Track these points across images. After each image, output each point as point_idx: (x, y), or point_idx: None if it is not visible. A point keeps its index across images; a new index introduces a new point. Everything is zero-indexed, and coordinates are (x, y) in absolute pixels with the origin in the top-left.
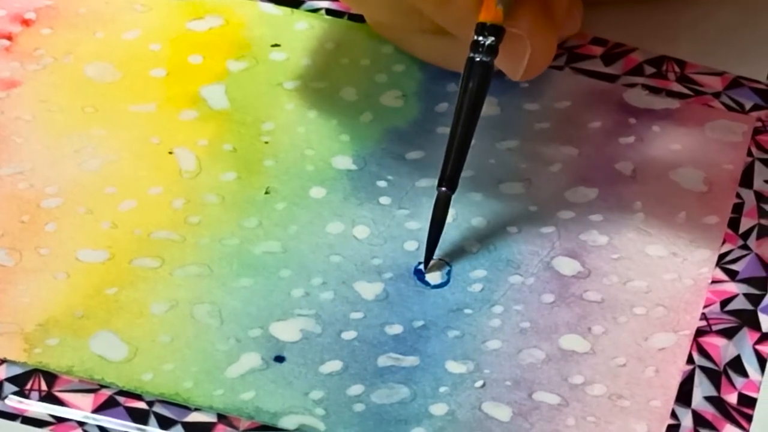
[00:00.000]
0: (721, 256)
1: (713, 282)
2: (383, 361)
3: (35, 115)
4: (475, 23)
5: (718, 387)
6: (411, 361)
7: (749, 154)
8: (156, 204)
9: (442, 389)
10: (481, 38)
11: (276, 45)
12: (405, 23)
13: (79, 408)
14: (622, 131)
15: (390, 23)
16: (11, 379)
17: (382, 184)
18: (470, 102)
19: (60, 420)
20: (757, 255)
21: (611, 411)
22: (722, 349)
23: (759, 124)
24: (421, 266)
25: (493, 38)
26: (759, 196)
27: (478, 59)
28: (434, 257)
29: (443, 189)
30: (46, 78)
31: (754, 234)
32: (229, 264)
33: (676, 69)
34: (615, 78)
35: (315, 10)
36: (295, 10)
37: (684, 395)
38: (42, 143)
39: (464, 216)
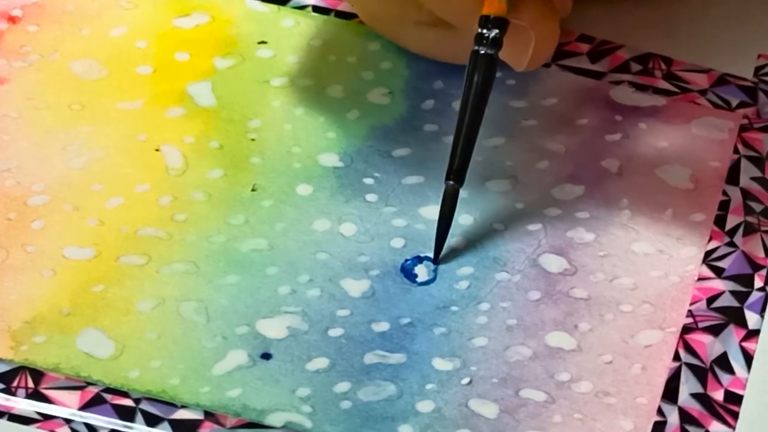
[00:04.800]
0: (708, 254)
1: (699, 279)
2: (370, 358)
3: (22, 113)
4: (478, 15)
5: (704, 384)
6: (398, 358)
7: (736, 151)
8: (143, 201)
9: (428, 386)
10: (485, 31)
11: (263, 42)
12: (401, 15)
13: (66, 405)
14: (609, 128)
15: (385, 15)
16: None
17: (368, 181)
18: (476, 95)
19: (47, 417)
20: (743, 252)
21: (597, 408)
22: (708, 346)
23: (745, 121)
24: (408, 263)
25: (497, 30)
26: (745, 194)
27: (482, 52)
28: (420, 255)
29: (451, 183)
30: (32, 75)
31: (740, 231)
32: (215, 261)
33: (663, 66)
34: (601, 75)
35: (302, 7)
36: (281, 7)
37: (670, 392)
38: (29, 141)
39: None
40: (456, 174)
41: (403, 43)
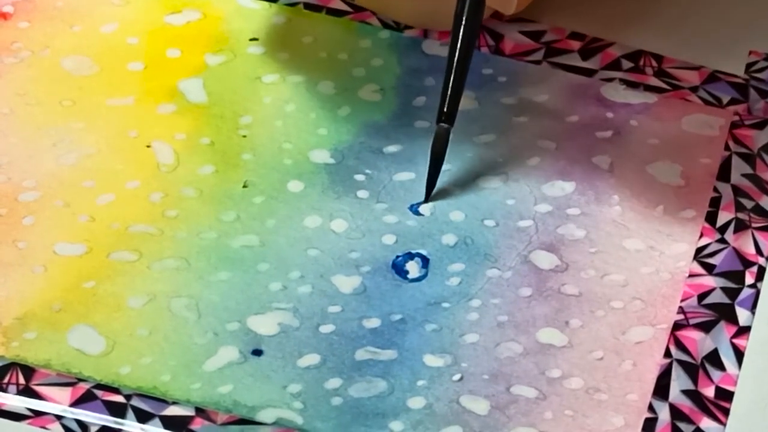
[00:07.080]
0: (699, 250)
1: (690, 276)
2: (361, 354)
3: (13, 109)
4: None
5: (695, 380)
6: (389, 354)
7: (726, 148)
8: (134, 197)
9: (419, 383)
10: None
11: (254, 39)
12: None
13: (57, 402)
14: (600, 125)
15: None
16: None
17: (359, 177)
18: (465, 36)
19: (38, 413)
20: (734, 249)
21: (588, 404)
22: (699, 342)
23: (736, 118)
24: (399, 259)
25: None
26: (736, 190)
27: None
28: (411, 251)
29: (442, 125)
30: (23, 71)
31: (731, 228)
32: (206, 257)
33: (654, 63)
34: (593, 72)
35: (293, 5)
36: (273, 4)
37: (661, 389)
38: (19, 137)
39: (442, 209)
40: (447, 116)
41: (394, 15)
